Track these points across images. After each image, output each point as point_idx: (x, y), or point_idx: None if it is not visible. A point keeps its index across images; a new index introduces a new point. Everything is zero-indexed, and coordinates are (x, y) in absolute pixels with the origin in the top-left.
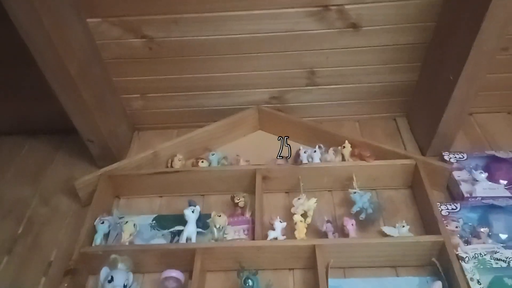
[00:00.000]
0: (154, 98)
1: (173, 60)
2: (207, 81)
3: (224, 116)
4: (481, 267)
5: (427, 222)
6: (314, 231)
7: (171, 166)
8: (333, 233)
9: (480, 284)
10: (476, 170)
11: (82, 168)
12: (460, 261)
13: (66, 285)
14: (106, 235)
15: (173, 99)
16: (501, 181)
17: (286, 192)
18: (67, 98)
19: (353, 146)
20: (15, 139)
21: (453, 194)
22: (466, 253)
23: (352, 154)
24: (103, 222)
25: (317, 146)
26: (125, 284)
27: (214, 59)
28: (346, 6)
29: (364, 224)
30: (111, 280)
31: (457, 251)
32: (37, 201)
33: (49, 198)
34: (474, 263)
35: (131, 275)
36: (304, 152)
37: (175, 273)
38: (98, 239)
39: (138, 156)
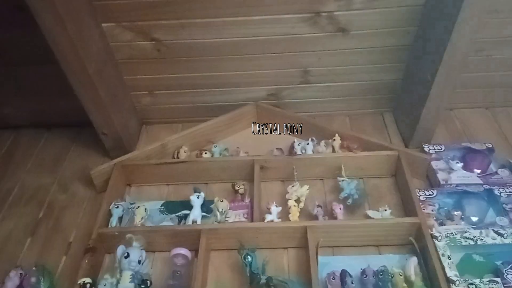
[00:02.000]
0: (162, 95)
1: (179, 60)
2: (211, 80)
3: (225, 112)
4: (452, 244)
5: (407, 207)
6: (306, 215)
7: (177, 157)
8: (323, 216)
9: (450, 259)
10: (453, 160)
11: (96, 159)
12: (434, 239)
13: (86, 261)
14: (120, 219)
15: (179, 96)
16: (475, 170)
17: (281, 181)
18: (85, 94)
19: (342, 139)
20: (33, 132)
21: (432, 182)
22: (439, 232)
23: (342, 146)
24: (117, 207)
25: (310, 139)
26: (140, 260)
27: (217, 59)
28: (335, 13)
29: (351, 208)
30: (127, 256)
31: (431, 231)
32: (56, 188)
33: (67, 185)
34: (446, 241)
35: (144, 253)
36: (298, 144)
37: (183, 251)
38: (114, 222)
39: (147, 147)
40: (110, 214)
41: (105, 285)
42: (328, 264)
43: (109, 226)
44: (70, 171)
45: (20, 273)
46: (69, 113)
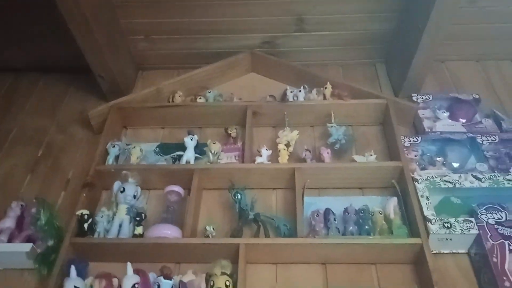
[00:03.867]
0: (157, 40)
1: (176, 5)
2: (206, 25)
3: (220, 59)
4: (431, 187)
5: (392, 152)
6: (295, 158)
7: (172, 102)
8: (311, 160)
9: (429, 199)
10: (439, 109)
11: (93, 103)
12: (415, 182)
13: (84, 195)
14: (117, 159)
15: (174, 41)
16: (461, 119)
17: (273, 127)
18: (82, 37)
19: (333, 87)
20: (31, 76)
21: (417, 129)
22: (420, 176)
23: (332, 94)
24: (114, 146)
25: (302, 87)
26: (135, 195)
27: (212, 4)
28: None
29: (338, 153)
30: (123, 191)
31: (413, 174)
32: (54, 130)
33: (65, 127)
34: (426, 184)
35: (139, 189)
36: (291, 92)
37: (177, 188)
38: (110, 160)
39: (143, 91)
40: (107, 153)
41: (102, 217)
42: (314, 204)
43: (106, 164)
44: (68, 114)
45: (21, 204)
46: (67, 57)
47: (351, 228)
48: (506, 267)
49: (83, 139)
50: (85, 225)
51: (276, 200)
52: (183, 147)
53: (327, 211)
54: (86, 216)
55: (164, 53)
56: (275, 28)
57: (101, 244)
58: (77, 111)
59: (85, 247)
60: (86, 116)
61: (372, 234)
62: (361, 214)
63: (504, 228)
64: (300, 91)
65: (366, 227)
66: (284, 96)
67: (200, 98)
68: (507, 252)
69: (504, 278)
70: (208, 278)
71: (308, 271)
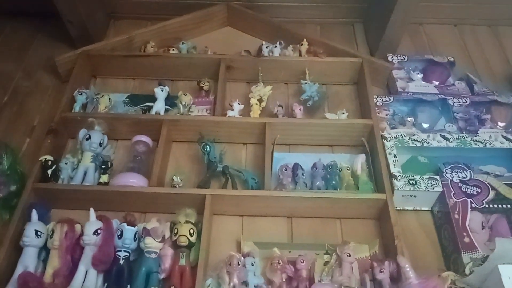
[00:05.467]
0: None
1: None
2: None
3: (196, 10)
4: (400, 145)
5: (364, 111)
6: (267, 114)
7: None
8: (283, 116)
9: (396, 157)
10: (414, 71)
11: (62, 50)
12: (384, 140)
13: (49, 141)
14: (84, 107)
15: None
16: (434, 81)
17: (247, 82)
18: None
19: (310, 44)
20: None
21: (390, 90)
22: (389, 134)
23: (308, 51)
24: (81, 94)
25: (278, 42)
26: (101, 143)
27: None
28: None
29: (311, 110)
30: (88, 138)
31: (383, 133)
32: (20, 75)
33: (31, 73)
34: (395, 142)
35: (106, 137)
36: (266, 47)
37: (144, 138)
38: (77, 108)
39: (114, 39)
40: (74, 101)
41: (66, 163)
42: (283, 159)
43: (73, 112)
44: (35, 60)
45: None
46: (36, 1)
47: (318, 183)
48: (466, 223)
49: (50, 86)
50: (49, 171)
51: (246, 155)
52: (153, 99)
53: (296, 166)
54: (49, 162)
55: (137, 1)
56: None
57: (64, 190)
58: (45, 58)
59: (48, 192)
60: (54, 63)
61: (338, 189)
62: (329, 170)
63: (467, 186)
64: (275, 46)
65: (333, 182)
66: (259, 51)
67: (173, 50)
68: (469, 209)
69: (464, 234)
70: (172, 226)
71: (274, 224)
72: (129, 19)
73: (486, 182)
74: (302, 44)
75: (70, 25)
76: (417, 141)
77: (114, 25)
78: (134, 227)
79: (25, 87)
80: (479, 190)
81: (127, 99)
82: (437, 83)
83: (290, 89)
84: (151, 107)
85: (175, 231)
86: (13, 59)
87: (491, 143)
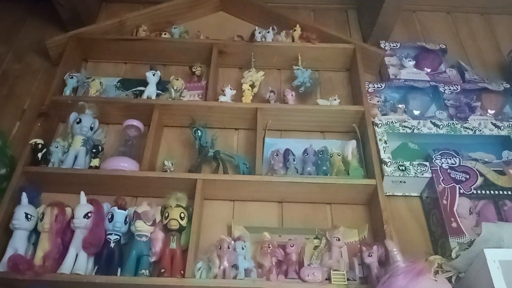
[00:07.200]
0: None
1: None
2: None
3: None
4: (390, 131)
5: (356, 98)
6: (259, 100)
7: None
8: (275, 102)
9: (386, 143)
10: (406, 58)
11: (53, 33)
12: (374, 126)
13: (39, 124)
14: (75, 91)
15: None
16: (426, 68)
17: (239, 68)
18: None
19: (303, 29)
20: None
21: (382, 76)
22: (380, 120)
23: (301, 37)
24: (72, 77)
25: (270, 27)
26: (92, 127)
27: None
28: None
29: (303, 96)
30: (79, 122)
31: (374, 119)
32: (10, 58)
33: (22, 56)
34: (385, 128)
35: (96, 121)
36: (259, 32)
37: (136, 122)
38: (68, 91)
39: (105, 23)
40: (64, 85)
41: (56, 147)
42: (275, 145)
43: (63, 95)
44: (25, 42)
45: None
46: None
47: (309, 168)
48: (454, 209)
49: (40, 70)
50: (39, 155)
51: (238, 140)
52: (145, 83)
53: (287, 151)
54: (40, 146)
55: None
56: None
57: (55, 173)
58: (36, 41)
59: (38, 176)
60: (45, 46)
61: (329, 175)
62: (320, 155)
63: (456, 172)
64: (268, 32)
65: (324, 168)
66: (252, 36)
67: (165, 34)
68: (457, 195)
69: (452, 219)
70: (163, 210)
71: (265, 209)
72: (121, 2)
73: (474, 169)
74: (295, 30)
75: (61, 8)
76: (408, 127)
77: (106, 8)
78: (125, 210)
79: (15, 70)
80: (468, 176)
81: (119, 83)
82: (428, 70)
83: (282, 75)
84: (142, 91)
85: (166, 214)
86: (3, 41)
87: (480, 130)
